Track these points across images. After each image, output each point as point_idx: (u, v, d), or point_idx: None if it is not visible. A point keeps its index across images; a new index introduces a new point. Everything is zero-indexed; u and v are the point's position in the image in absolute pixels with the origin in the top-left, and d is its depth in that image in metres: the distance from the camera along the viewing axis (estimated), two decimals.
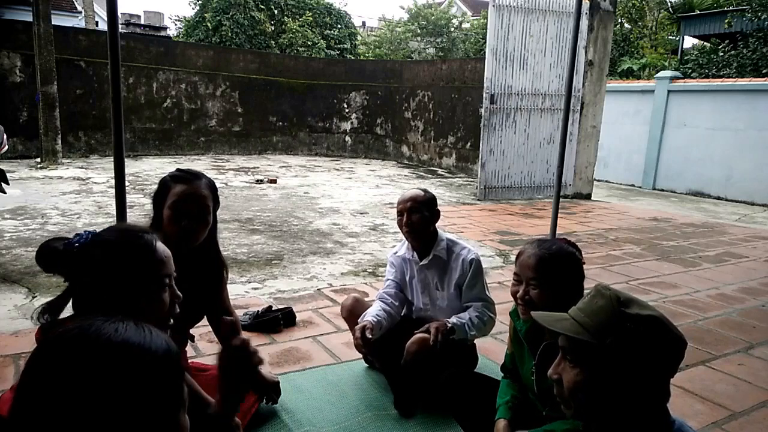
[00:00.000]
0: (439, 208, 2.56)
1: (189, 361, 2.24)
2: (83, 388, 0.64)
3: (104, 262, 1.19)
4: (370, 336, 2.21)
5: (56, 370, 0.65)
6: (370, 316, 2.36)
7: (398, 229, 2.52)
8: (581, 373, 1.03)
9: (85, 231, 1.29)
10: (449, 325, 2.28)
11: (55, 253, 1.25)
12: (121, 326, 0.70)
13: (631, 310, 1.02)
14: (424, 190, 2.50)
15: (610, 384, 1.00)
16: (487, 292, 2.46)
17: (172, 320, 1.27)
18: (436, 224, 2.51)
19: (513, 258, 4.87)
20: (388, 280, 2.62)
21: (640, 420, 1.00)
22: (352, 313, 2.53)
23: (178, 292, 1.27)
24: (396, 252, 2.61)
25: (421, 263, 2.47)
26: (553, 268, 1.69)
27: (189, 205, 1.82)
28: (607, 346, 1.00)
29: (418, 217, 2.41)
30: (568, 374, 1.05)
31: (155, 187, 1.90)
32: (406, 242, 2.53)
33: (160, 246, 1.26)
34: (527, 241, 1.86)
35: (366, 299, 2.77)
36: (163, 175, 1.91)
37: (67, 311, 1.28)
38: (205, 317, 2.18)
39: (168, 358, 0.71)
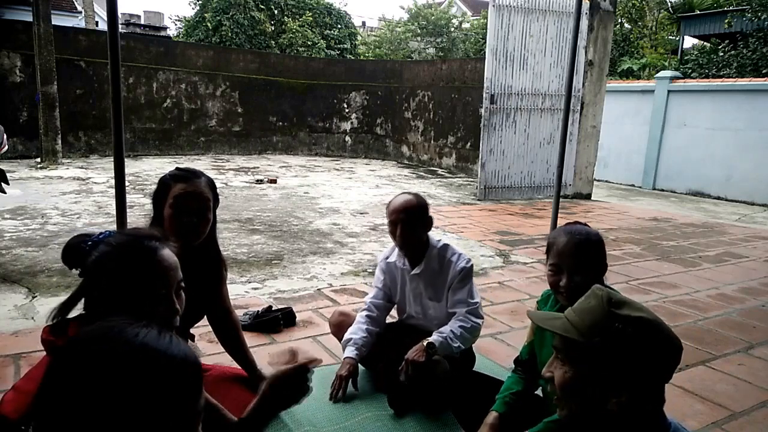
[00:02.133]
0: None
1: None
2: (102, 390, 0.64)
3: (102, 265, 1.19)
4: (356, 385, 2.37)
5: (78, 372, 0.65)
6: (353, 346, 2.37)
7: None
8: (570, 372, 1.04)
9: (106, 231, 1.29)
10: (425, 343, 2.20)
11: (72, 250, 1.27)
12: (143, 331, 0.70)
13: (621, 311, 1.02)
14: (416, 195, 2.38)
15: (598, 384, 1.00)
16: (472, 298, 2.35)
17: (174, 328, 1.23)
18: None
19: (513, 258, 4.88)
20: (376, 287, 2.56)
21: (633, 422, 1.00)
22: (340, 328, 2.53)
23: (177, 306, 1.22)
24: (387, 257, 2.52)
25: (413, 272, 2.39)
26: (591, 251, 1.74)
27: (189, 203, 1.83)
28: (595, 345, 1.00)
29: (412, 229, 2.31)
30: (558, 372, 1.06)
31: (155, 186, 1.90)
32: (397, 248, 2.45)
33: (165, 254, 1.22)
34: (554, 232, 1.87)
35: (362, 299, 2.76)
36: (163, 175, 1.91)
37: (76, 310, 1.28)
38: (206, 317, 2.18)
39: (186, 366, 0.70)
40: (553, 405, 1.81)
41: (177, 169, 1.92)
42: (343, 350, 2.42)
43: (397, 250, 2.44)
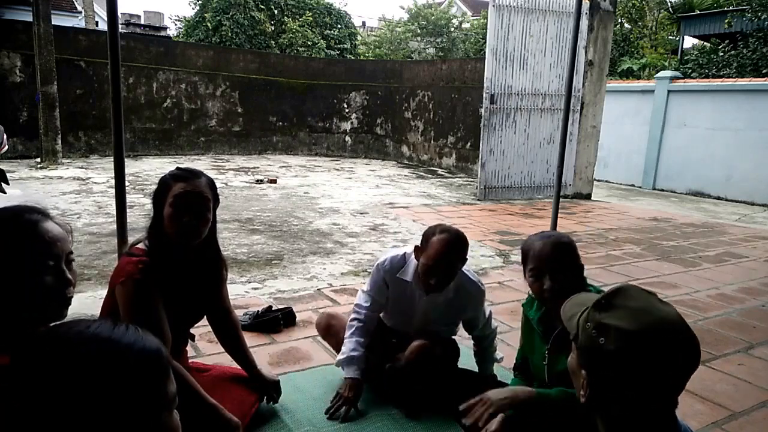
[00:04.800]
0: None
1: (189, 361, 2.24)
2: (65, 387, 0.64)
3: None
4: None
5: (36, 376, 0.65)
6: (355, 365, 2.25)
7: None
8: (572, 356, 1.06)
9: None
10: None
11: None
12: (94, 324, 0.70)
13: (600, 313, 0.96)
14: (461, 237, 2.19)
15: (602, 383, 0.99)
16: (486, 313, 2.42)
17: (65, 304, 1.21)
18: None
19: (513, 258, 4.88)
20: (373, 298, 2.33)
21: (642, 423, 0.98)
22: (329, 331, 2.48)
23: (69, 276, 1.21)
24: (397, 272, 2.29)
25: (428, 297, 2.24)
26: (568, 252, 1.77)
27: (189, 202, 1.82)
28: (575, 339, 1.01)
29: (451, 275, 2.15)
30: (572, 353, 1.08)
31: (155, 186, 1.90)
32: (413, 263, 2.23)
33: (47, 226, 1.20)
34: (527, 241, 1.88)
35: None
36: (163, 175, 1.92)
37: None
38: (206, 317, 2.18)
39: (145, 355, 0.70)
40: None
41: (177, 168, 1.92)
42: (344, 368, 2.28)
43: (413, 266, 2.23)
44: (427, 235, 2.18)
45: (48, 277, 1.16)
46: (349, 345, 2.28)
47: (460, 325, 2.50)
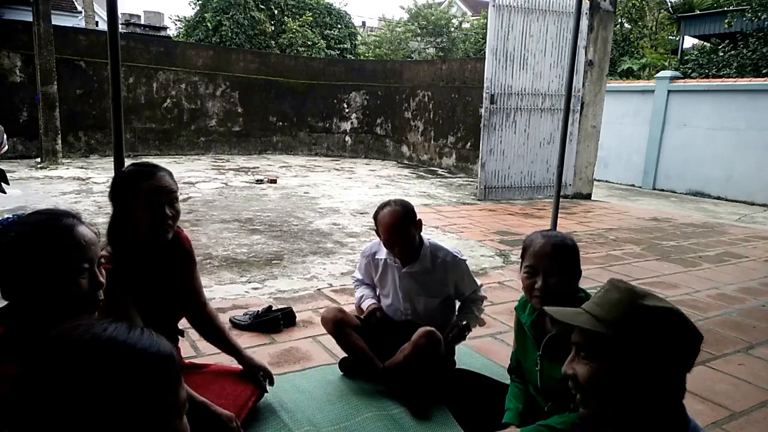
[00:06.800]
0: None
1: (185, 360, 2.24)
2: (75, 387, 0.64)
3: (15, 246, 1.16)
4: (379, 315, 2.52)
5: (48, 373, 0.65)
6: (370, 300, 2.58)
7: None
8: (596, 368, 1.02)
9: (13, 214, 1.28)
10: (462, 324, 2.45)
11: None
12: (109, 328, 0.70)
13: (648, 302, 1.01)
14: (399, 204, 2.42)
15: (625, 378, 0.99)
16: (475, 283, 2.59)
17: (97, 305, 1.23)
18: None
19: (513, 258, 4.88)
20: (361, 281, 2.70)
21: (657, 415, 0.99)
22: (339, 325, 2.48)
23: (101, 279, 1.23)
24: (374, 253, 2.59)
25: (405, 270, 2.46)
26: (568, 254, 1.74)
27: (162, 198, 1.81)
28: (625, 338, 0.99)
29: (409, 241, 2.40)
30: (582, 370, 1.04)
31: (114, 184, 1.87)
32: None
33: (81, 230, 1.21)
34: (530, 235, 1.87)
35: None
36: (122, 173, 1.88)
37: None
38: (185, 318, 2.16)
39: (160, 359, 0.70)
40: (544, 400, 1.81)
41: (135, 165, 1.88)
42: (361, 304, 2.62)
43: (383, 245, 2.52)
44: (375, 218, 2.44)
45: (83, 279, 1.19)
46: (359, 293, 2.66)
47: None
